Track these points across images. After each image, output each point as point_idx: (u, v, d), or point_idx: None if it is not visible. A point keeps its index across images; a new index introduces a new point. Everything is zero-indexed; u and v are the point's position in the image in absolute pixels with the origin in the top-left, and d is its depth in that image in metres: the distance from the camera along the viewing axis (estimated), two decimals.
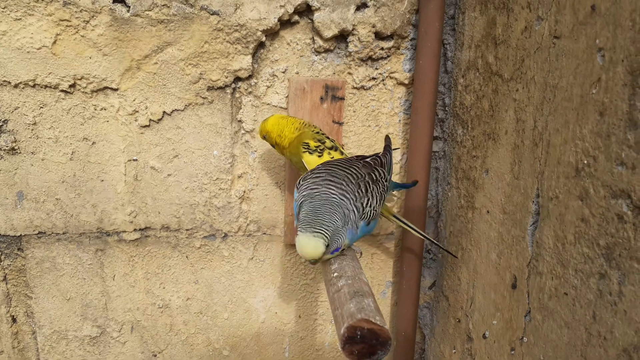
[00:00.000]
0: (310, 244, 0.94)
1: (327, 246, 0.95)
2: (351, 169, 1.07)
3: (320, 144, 1.22)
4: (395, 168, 1.52)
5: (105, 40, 1.30)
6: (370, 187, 1.04)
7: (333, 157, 1.21)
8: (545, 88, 1.01)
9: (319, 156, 1.21)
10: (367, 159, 1.10)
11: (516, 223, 1.13)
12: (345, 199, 0.99)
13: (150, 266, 1.50)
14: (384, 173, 1.09)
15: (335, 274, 0.99)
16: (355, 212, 1.00)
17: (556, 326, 0.97)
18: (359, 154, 1.48)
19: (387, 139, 1.24)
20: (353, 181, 1.03)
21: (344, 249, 1.02)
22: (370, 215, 1.03)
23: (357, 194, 1.01)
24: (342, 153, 1.25)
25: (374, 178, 1.06)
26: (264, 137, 1.27)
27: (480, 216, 1.30)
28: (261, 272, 1.56)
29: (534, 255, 1.05)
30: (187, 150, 1.42)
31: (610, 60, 0.84)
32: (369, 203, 1.03)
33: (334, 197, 1.00)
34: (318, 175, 1.04)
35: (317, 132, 1.26)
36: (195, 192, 1.45)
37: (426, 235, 1.36)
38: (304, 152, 1.21)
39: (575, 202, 0.92)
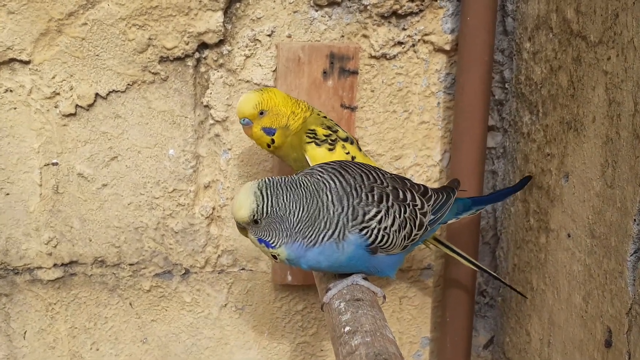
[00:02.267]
0: (242, 196, 1.01)
1: (255, 220, 1.01)
2: (371, 172, 1.09)
3: (330, 132, 1.23)
4: (434, 172, 1.53)
5: None
6: (387, 201, 1.06)
7: (349, 153, 1.23)
8: None
9: (330, 149, 1.22)
10: (405, 179, 1.14)
11: (610, 251, 1.12)
12: (336, 203, 1.03)
13: (78, 318, 1.50)
14: (422, 203, 1.11)
15: (347, 328, 0.98)
16: (349, 216, 1.03)
17: None
18: (379, 151, 1.49)
19: (454, 181, 1.26)
20: (366, 182, 1.06)
21: (275, 257, 1.04)
22: (376, 238, 1.05)
23: (362, 197, 1.04)
24: (359, 149, 1.27)
25: (400, 197, 1.08)
26: (260, 113, 1.20)
27: (557, 242, 1.30)
28: (239, 326, 1.55)
29: (636, 299, 1.05)
30: (130, 150, 1.42)
31: None
32: (378, 218, 1.05)
33: (325, 196, 1.02)
34: (330, 164, 1.09)
35: (325, 117, 1.27)
36: (142, 210, 1.45)
37: (480, 265, 1.36)
38: (309, 142, 1.21)
39: None
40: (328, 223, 1.03)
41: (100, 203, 1.43)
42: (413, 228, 1.10)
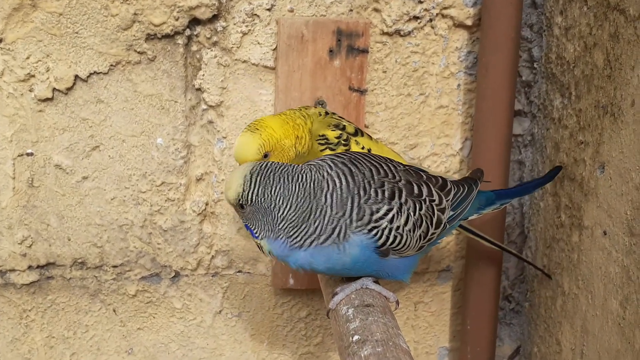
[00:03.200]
0: (234, 176, 1.04)
1: (241, 205, 1.04)
2: (382, 165, 1.09)
3: (340, 131, 1.25)
4: (454, 162, 1.53)
5: None
6: (400, 197, 1.06)
7: (364, 148, 1.24)
8: None
9: (346, 150, 1.24)
10: (421, 171, 1.13)
11: None
12: (335, 207, 1.03)
13: (56, 326, 1.50)
14: (440, 198, 1.11)
15: (356, 337, 0.98)
16: (353, 216, 1.03)
17: None
18: (392, 139, 1.49)
19: (477, 172, 1.25)
20: (375, 177, 1.06)
21: (262, 249, 1.07)
22: (387, 239, 1.05)
23: (371, 194, 1.04)
24: (370, 137, 1.28)
25: (415, 192, 1.08)
26: (265, 156, 1.18)
27: (592, 240, 1.30)
28: (235, 335, 1.55)
29: None
30: (113, 138, 1.42)
31: None
32: (389, 216, 1.05)
33: (324, 198, 1.02)
34: (340, 157, 1.09)
35: (327, 114, 1.27)
36: (127, 206, 1.45)
37: (506, 247, 1.39)
38: (323, 149, 1.23)
39: None
40: (319, 228, 1.03)
41: (80, 198, 1.43)
42: (430, 227, 1.10)
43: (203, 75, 1.41)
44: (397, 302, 1.11)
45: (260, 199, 1.03)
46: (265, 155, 1.18)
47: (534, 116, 1.51)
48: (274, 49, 1.41)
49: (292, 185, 1.03)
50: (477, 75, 1.46)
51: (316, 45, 1.39)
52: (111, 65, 1.38)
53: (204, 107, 1.43)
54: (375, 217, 1.04)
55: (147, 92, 1.41)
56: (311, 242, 1.03)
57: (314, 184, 1.04)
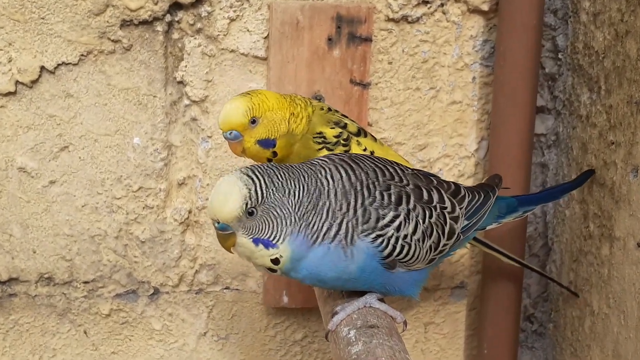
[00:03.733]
0: (225, 187, 1.00)
1: (250, 211, 0.99)
2: (387, 167, 1.07)
3: (340, 129, 1.22)
4: (469, 165, 1.52)
5: None
6: (408, 203, 1.05)
7: (367, 149, 1.23)
8: None
9: (346, 152, 1.21)
10: (430, 175, 1.13)
11: None
12: (340, 197, 1.02)
13: (19, 350, 1.48)
14: (453, 206, 1.11)
15: None
16: (358, 217, 1.02)
17: None
18: (399, 139, 1.48)
19: (494, 178, 1.25)
20: (380, 179, 1.05)
21: (277, 261, 1.01)
22: (394, 249, 1.04)
23: (376, 197, 1.03)
24: (374, 139, 1.26)
25: (424, 198, 1.07)
26: (252, 122, 1.18)
27: (624, 253, 1.28)
28: None
29: None
30: (84, 138, 1.40)
31: None
32: (396, 224, 1.04)
33: (325, 180, 1.02)
34: (337, 155, 1.09)
35: (330, 110, 1.26)
36: (100, 214, 1.43)
37: (526, 264, 1.40)
38: (320, 148, 1.21)
39: None
40: (330, 213, 1.00)
41: (46, 205, 1.42)
42: (441, 237, 1.08)
43: (185, 66, 1.41)
44: (405, 323, 1.09)
45: (272, 190, 0.99)
46: (253, 121, 1.15)
47: (559, 113, 1.49)
48: (266, 37, 1.41)
49: (292, 168, 1.02)
50: (495, 66, 1.45)
51: (313, 32, 1.38)
52: (82, 55, 1.38)
53: (187, 102, 1.42)
54: (381, 223, 1.02)
55: (122, 85, 1.40)
56: (326, 231, 1.00)
57: (311, 169, 1.03)
